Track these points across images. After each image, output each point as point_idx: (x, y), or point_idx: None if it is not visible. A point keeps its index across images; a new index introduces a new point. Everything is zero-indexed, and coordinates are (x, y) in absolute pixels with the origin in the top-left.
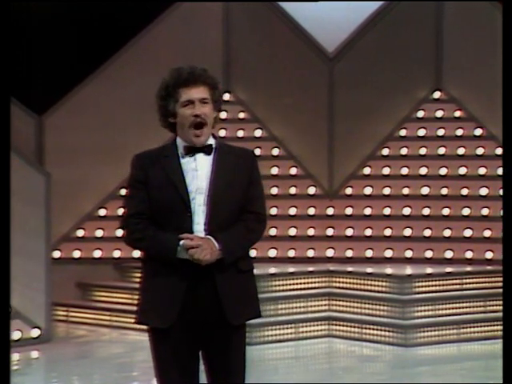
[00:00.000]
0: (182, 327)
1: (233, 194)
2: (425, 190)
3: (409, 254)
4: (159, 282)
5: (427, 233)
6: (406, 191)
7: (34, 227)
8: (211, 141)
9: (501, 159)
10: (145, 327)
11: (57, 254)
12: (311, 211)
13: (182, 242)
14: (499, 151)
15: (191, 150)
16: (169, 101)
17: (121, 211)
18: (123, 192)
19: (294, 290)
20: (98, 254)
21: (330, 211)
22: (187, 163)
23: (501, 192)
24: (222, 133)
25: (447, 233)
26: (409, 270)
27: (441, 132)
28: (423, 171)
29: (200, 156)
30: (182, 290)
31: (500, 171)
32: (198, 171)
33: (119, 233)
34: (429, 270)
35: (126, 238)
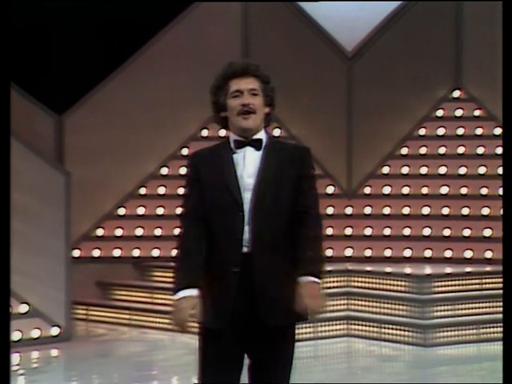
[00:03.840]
0: (231, 330)
1: (280, 190)
2: (444, 190)
3: (428, 253)
4: (212, 284)
5: (446, 232)
6: (425, 190)
7: (54, 226)
8: (262, 135)
9: None
10: (166, 326)
11: (76, 253)
12: (330, 210)
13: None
14: None
15: (241, 144)
16: (220, 94)
17: (140, 210)
18: (142, 191)
19: None
20: (117, 253)
21: (349, 210)
22: (238, 160)
23: None
24: None
25: (467, 232)
26: (428, 269)
27: (460, 131)
28: (442, 170)
29: (249, 151)
30: (232, 292)
31: None
32: (245, 168)
33: (139, 232)
34: (448, 270)
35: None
